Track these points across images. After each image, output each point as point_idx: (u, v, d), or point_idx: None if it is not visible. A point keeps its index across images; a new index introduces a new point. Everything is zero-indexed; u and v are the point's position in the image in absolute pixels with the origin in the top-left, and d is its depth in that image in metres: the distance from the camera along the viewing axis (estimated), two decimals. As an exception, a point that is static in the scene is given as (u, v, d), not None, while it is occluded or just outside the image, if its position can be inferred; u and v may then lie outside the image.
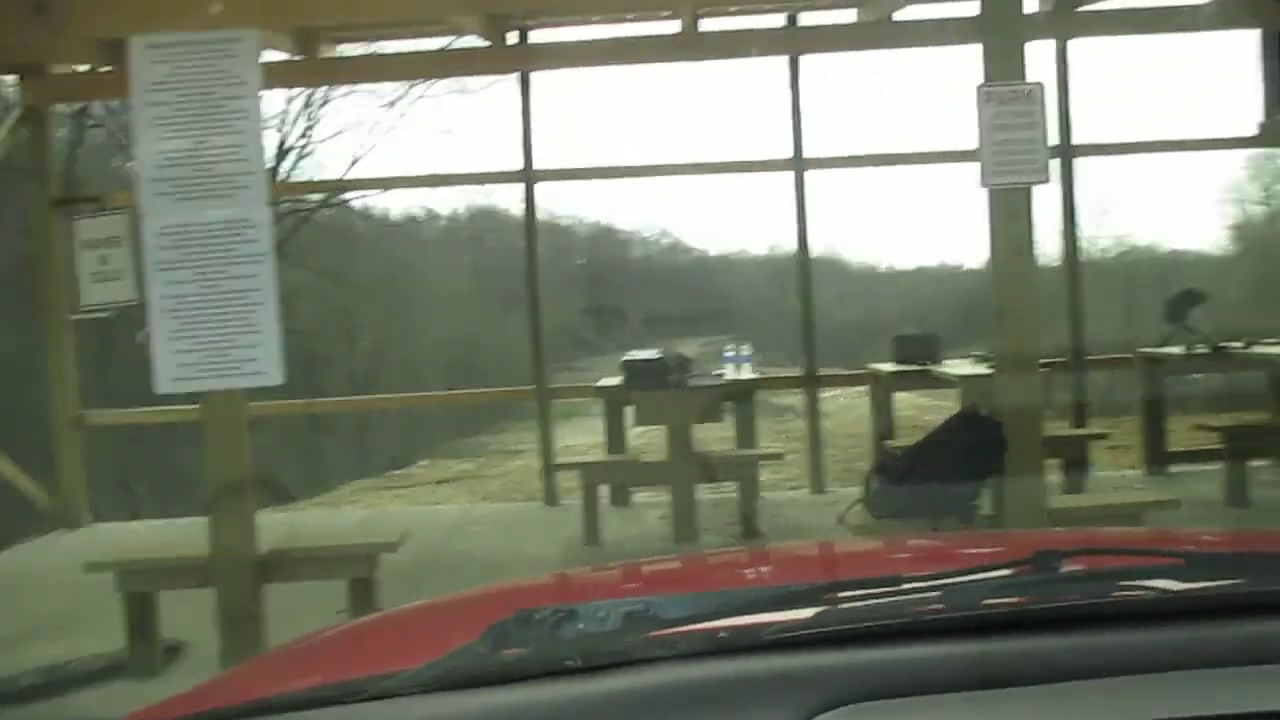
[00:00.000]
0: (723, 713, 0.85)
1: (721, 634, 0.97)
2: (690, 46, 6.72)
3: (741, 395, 6.37)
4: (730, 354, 6.42)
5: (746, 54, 7.03)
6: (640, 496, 6.93)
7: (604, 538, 5.79)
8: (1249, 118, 7.13)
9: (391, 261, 24.01)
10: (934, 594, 0.99)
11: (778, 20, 6.87)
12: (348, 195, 18.66)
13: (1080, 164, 7.07)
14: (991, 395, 4.25)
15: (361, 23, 6.36)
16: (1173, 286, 8.05)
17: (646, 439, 7.87)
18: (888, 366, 6.89)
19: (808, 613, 0.96)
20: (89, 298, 6.95)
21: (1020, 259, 3.84)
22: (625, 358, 6.18)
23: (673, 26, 6.50)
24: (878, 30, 6.20)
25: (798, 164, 6.92)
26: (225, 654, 3.91)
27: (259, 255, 3.81)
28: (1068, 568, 1.04)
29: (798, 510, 6.44)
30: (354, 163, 17.57)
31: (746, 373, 6.38)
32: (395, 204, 22.10)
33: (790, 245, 7.27)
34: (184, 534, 5.00)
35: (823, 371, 7.25)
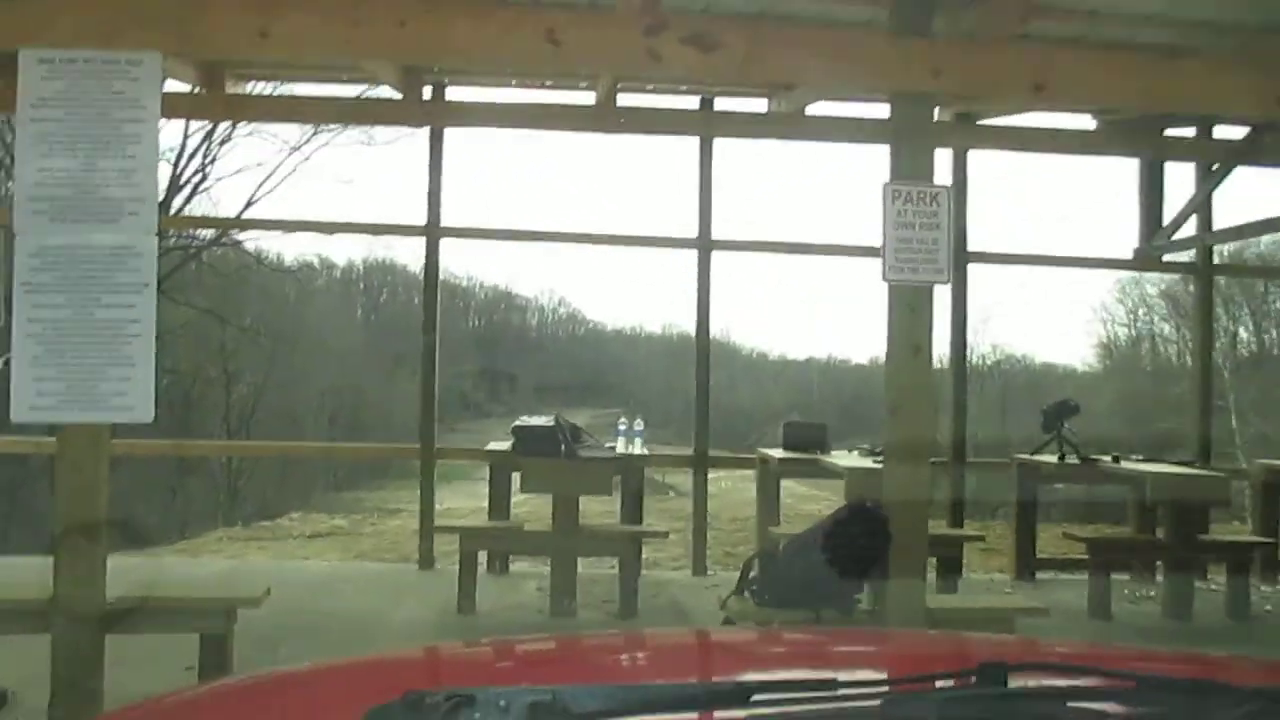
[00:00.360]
0: None
1: None
2: (605, 119, 6.76)
3: (631, 470, 6.31)
4: (623, 427, 6.36)
5: (659, 131, 7.10)
6: (519, 565, 6.77)
7: (480, 606, 5.61)
8: (1126, 241, 7.51)
9: (281, 307, 23.48)
10: (874, 703, 0.92)
11: (693, 102, 6.98)
12: (240, 236, 18.20)
13: (970, 271, 7.30)
14: (877, 489, 4.25)
15: (271, 61, 6.23)
16: (1046, 397, 8.31)
17: (530, 507, 7.72)
18: (776, 452, 6.92)
19: (737, 715, 0.89)
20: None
21: (917, 355, 3.88)
22: (516, 423, 6.06)
23: (589, 97, 6.53)
24: (790, 121, 6.31)
25: (703, 244, 6.98)
26: (54, 707, 3.63)
27: (140, 285, 3.62)
28: (1015, 682, 0.98)
29: (678, 590, 6.36)
30: (249, 204, 17.20)
31: (638, 447, 6.32)
32: (290, 249, 21.58)
33: (686, 325, 7.32)
34: (21, 573, 4.67)
35: (712, 453, 7.22)
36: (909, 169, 3.93)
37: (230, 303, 20.36)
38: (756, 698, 0.94)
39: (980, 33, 3.88)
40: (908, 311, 3.85)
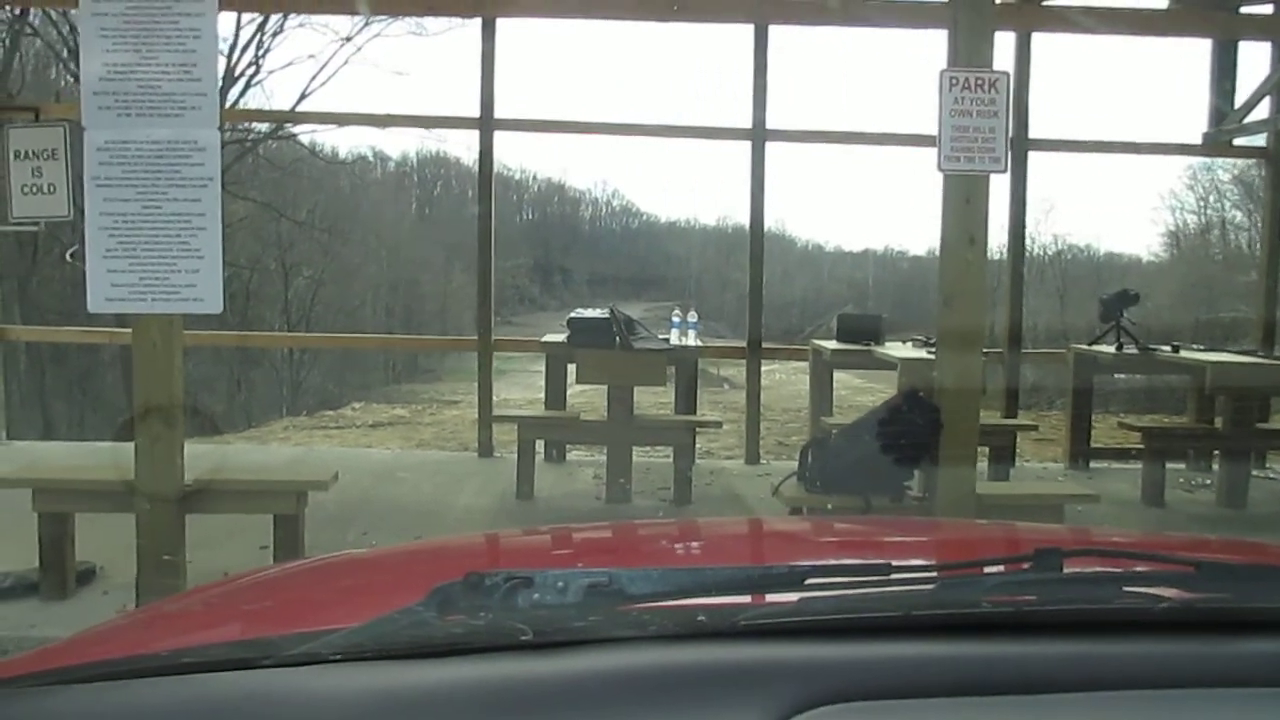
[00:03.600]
0: (693, 703, 0.78)
1: (699, 616, 0.90)
2: (658, 6, 6.64)
3: (684, 361, 6.38)
4: (677, 319, 6.41)
5: (713, 18, 6.98)
6: (575, 454, 6.93)
7: (537, 492, 5.78)
8: (1196, 126, 7.29)
9: (336, 200, 23.64)
10: (928, 587, 0.93)
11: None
12: (295, 129, 18.21)
13: (1031, 159, 7.15)
14: (930, 379, 4.28)
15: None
16: (1108, 287, 8.19)
17: (585, 398, 7.86)
18: (830, 344, 6.94)
19: (790, 598, 0.90)
20: (19, 210, 6.71)
21: (972, 245, 3.86)
22: (571, 315, 6.14)
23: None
24: (847, 7, 6.17)
25: (757, 134, 6.90)
26: (141, 583, 3.85)
27: (205, 179, 3.70)
28: (1070, 568, 0.98)
29: (731, 479, 6.48)
30: (303, 97, 17.16)
31: (692, 339, 6.38)
32: (344, 143, 21.67)
33: (740, 217, 7.27)
34: (100, 457, 4.88)
35: (765, 344, 7.26)
36: (966, 55, 3.85)
37: (286, 196, 20.53)
38: (810, 581, 0.95)
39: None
40: (963, 201, 3.82)
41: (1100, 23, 6.53)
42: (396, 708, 0.76)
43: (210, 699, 0.79)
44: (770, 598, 0.94)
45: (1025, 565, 0.98)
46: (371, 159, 24.80)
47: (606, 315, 5.95)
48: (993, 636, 0.85)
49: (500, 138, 7.07)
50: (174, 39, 3.68)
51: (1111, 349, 6.71)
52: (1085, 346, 6.96)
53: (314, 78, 17.33)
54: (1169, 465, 6.42)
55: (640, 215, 34.13)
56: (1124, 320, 6.79)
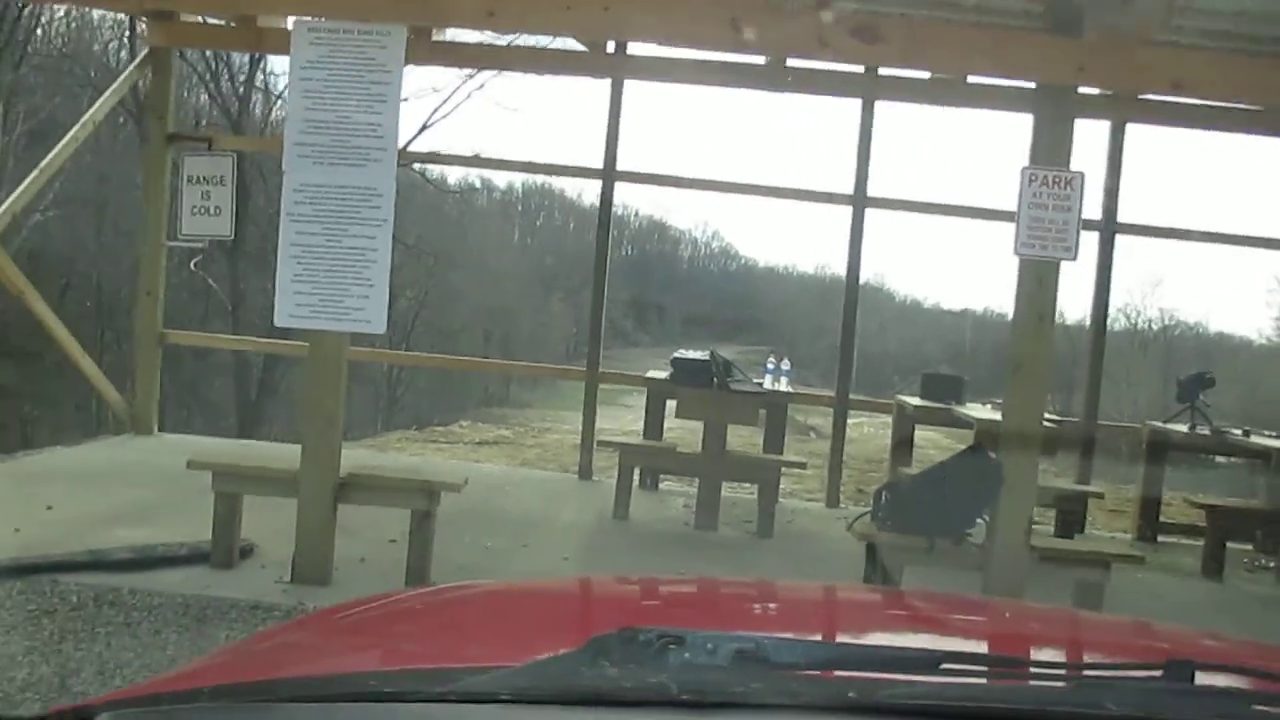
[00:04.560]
0: None
1: (849, 692, 0.94)
2: (775, 78, 7.22)
3: (775, 405, 6.88)
4: (771, 365, 6.93)
5: (825, 92, 7.52)
6: (667, 484, 7.47)
7: (632, 515, 6.33)
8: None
9: (442, 225, 24.64)
10: (1061, 685, 0.98)
11: (857, 67, 7.36)
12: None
13: (1129, 241, 7.52)
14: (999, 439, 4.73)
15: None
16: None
17: (677, 434, 8.40)
18: (914, 400, 7.38)
19: (930, 680, 0.95)
20: (187, 229, 7.59)
21: (1041, 322, 4.33)
22: (675, 355, 6.71)
23: (759, 58, 7.01)
24: (949, 88, 6.67)
25: (859, 200, 7.42)
26: (297, 560, 4.51)
27: (380, 220, 4.40)
28: (1201, 679, 0.99)
29: (810, 519, 6.95)
30: (424, 128, 18.01)
31: (784, 385, 6.89)
32: (453, 170, 22.50)
33: (838, 267, 7.75)
34: (245, 450, 5.59)
35: (853, 396, 7.72)
36: (1047, 151, 4.34)
37: (397, 220, 21.50)
38: (945, 666, 0.98)
39: (1125, 30, 4.23)
40: (1036, 283, 4.30)
41: (1193, 118, 6.91)
42: None
43: None
44: (909, 677, 0.96)
45: (1158, 673, 0.99)
46: (479, 186, 25.68)
47: (707, 357, 6.51)
48: None
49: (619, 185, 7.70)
50: (364, 102, 4.38)
51: (1185, 428, 7.01)
52: (1160, 424, 7.28)
53: (435, 110, 18.13)
54: (1237, 545, 6.70)
55: (738, 259, 34.54)
56: (1199, 402, 7.10)
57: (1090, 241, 7.34)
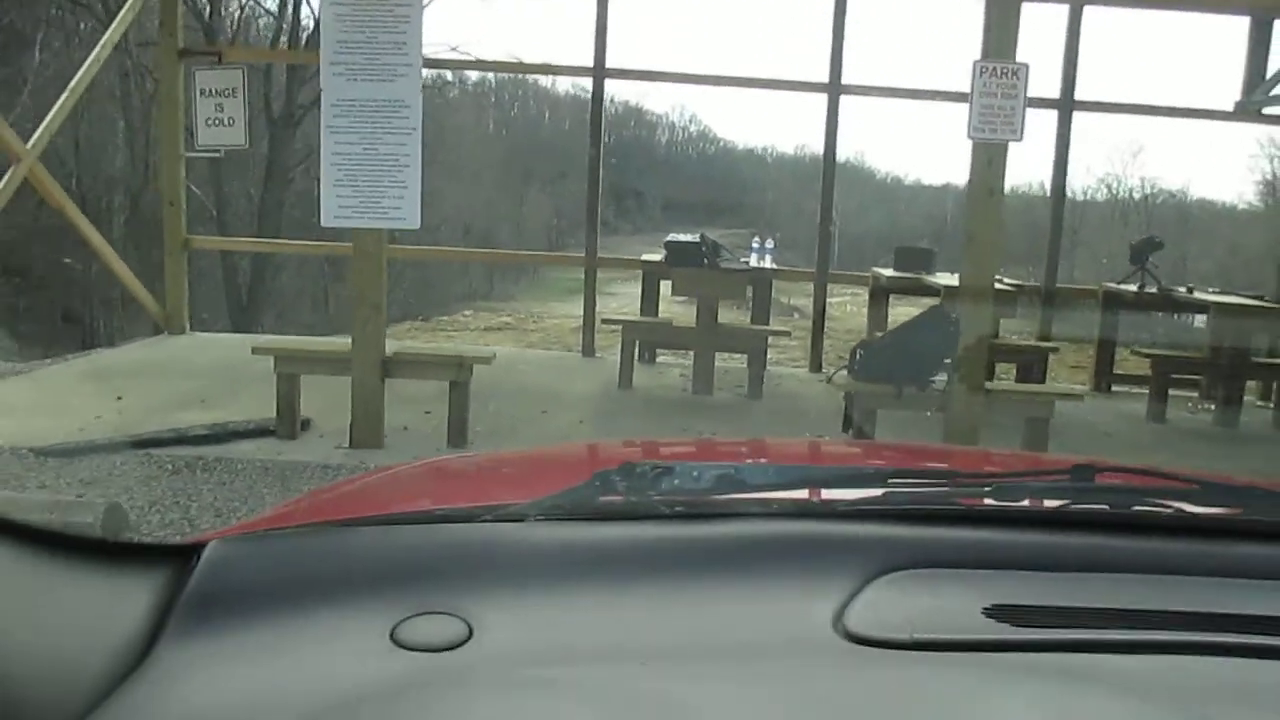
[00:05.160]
0: (802, 564, 0.96)
1: (812, 499, 1.15)
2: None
3: (761, 282, 7.54)
4: (756, 245, 7.56)
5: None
6: (663, 358, 8.18)
7: (635, 385, 7.04)
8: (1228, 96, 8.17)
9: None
10: (984, 489, 1.14)
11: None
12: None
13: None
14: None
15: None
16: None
17: (669, 313, 9.07)
18: (888, 271, 8.05)
19: (877, 492, 1.11)
20: (203, 140, 8.10)
21: (991, 196, 4.97)
22: (667, 239, 7.34)
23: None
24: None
25: (833, 88, 7.96)
26: (354, 429, 5.21)
27: (410, 129, 4.97)
28: (1100, 480, 1.17)
29: (796, 382, 7.69)
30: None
31: (768, 263, 7.53)
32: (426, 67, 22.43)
33: (818, 146, 8.32)
34: (274, 344, 6.21)
35: (832, 270, 8.38)
36: (997, 45, 4.92)
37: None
38: (892, 480, 1.15)
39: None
40: (985, 162, 4.92)
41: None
42: (584, 553, 0.97)
43: (456, 542, 0.99)
44: (862, 492, 1.12)
45: (1065, 476, 1.17)
46: (451, 78, 25.48)
47: (698, 239, 7.14)
48: (1033, 529, 1.04)
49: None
50: (389, 24, 4.91)
51: (1134, 288, 7.72)
52: (1113, 285, 7.98)
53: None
54: (1182, 394, 7.47)
55: (717, 141, 34.56)
56: (1148, 264, 7.80)
57: (1050, 120, 7.94)
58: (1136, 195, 27.12)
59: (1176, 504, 1.10)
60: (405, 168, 4.98)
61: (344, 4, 4.88)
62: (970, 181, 5.01)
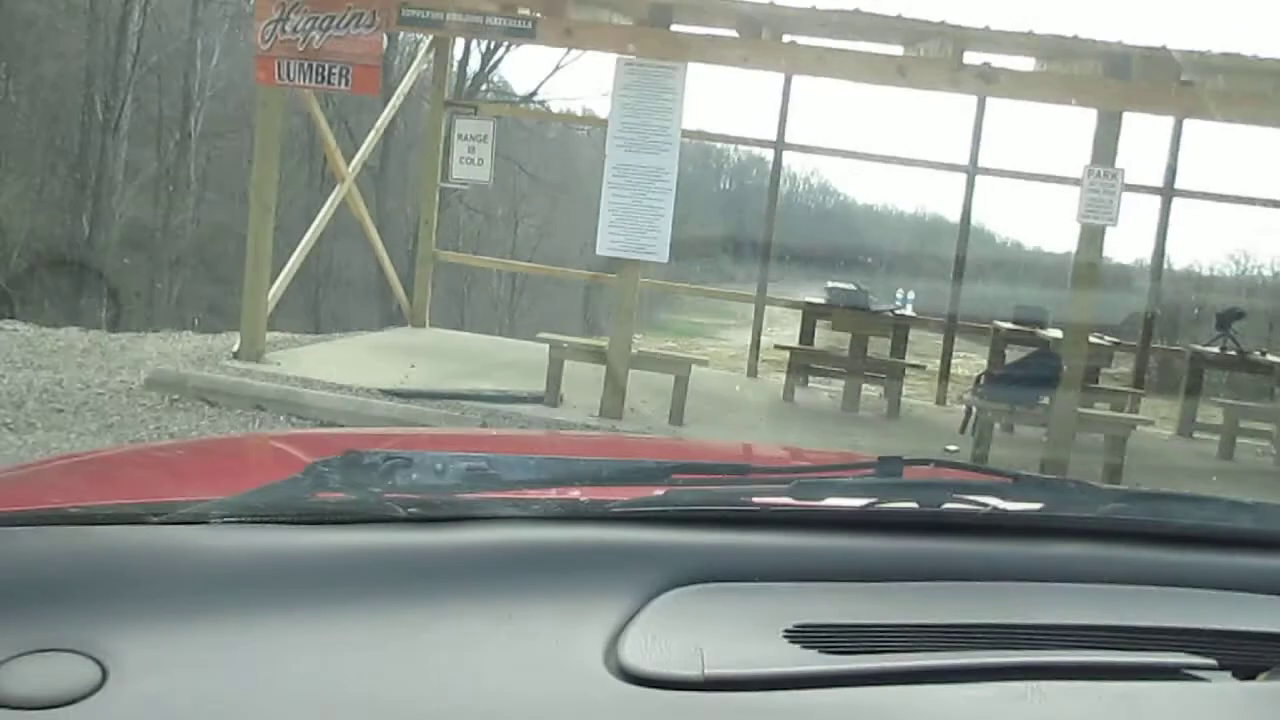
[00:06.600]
0: (569, 578, 0.83)
1: (581, 500, 1.00)
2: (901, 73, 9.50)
3: (902, 325, 9.30)
4: (900, 295, 9.35)
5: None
6: (813, 382, 9.95)
7: (796, 399, 8.84)
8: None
9: (565, 156, 26.85)
10: (782, 486, 1.01)
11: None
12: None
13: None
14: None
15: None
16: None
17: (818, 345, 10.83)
18: (1006, 324, 9.72)
19: (658, 490, 0.99)
20: (456, 174, 10.23)
21: (1092, 269, 6.68)
22: (828, 284, 9.19)
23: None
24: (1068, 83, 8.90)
25: (972, 168, 9.72)
26: (604, 401, 7.12)
27: (667, 189, 6.91)
28: (908, 475, 1.11)
29: (924, 410, 9.39)
30: (557, 68, 20.43)
31: (908, 310, 9.30)
32: (580, 104, 24.41)
33: (937, 207, 10.04)
34: (549, 337, 8.19)
35: (961, 322, 10.10)
36: (1102, 154, 6.65)
37: (522, 153, 23.49)
38: (676, 476, 1.03)
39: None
40: (1089, 240, 6.65)
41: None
42: (281, 568, 0.80)
43: (100, 549, 0.78)
44: (640, 489, 0.98)
45: (870, 471, 1.11)
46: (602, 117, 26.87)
47: (854, 287, 8.96)
48: (837, 531, 0.96)
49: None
50: (657, 107, 6.87)
51: (1218, 350, 9.25)
52: (1199, 346, 9.52)
53: (559, 65, 20.70)
54: (1254, 441, 8.96)
55: (836, 195, 35.55)
56: (1232, 330, 9.31)
57: (1153, 205, 9.56)
58: (1267, 271, 28.04)
59: (988, 500, 1.04)
60: (660, 216, 6.93)
61: (628, 95, 6.87)
62: (1076, 255, 6.74)
